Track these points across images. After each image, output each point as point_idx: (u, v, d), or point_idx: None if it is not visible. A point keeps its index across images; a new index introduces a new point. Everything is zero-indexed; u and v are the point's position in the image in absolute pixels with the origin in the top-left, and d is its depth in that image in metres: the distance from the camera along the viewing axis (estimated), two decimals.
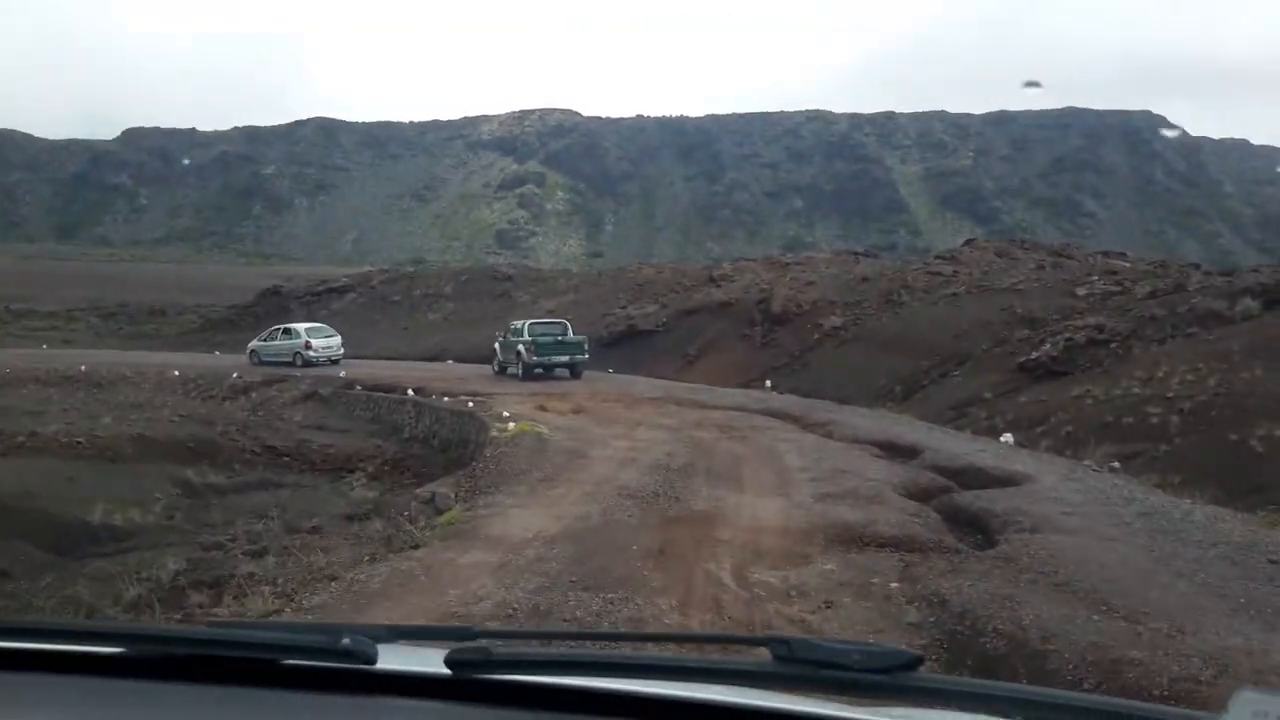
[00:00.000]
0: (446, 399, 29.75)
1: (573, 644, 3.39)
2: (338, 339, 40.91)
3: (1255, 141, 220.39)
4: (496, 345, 34.91)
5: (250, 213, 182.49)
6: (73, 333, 68.77)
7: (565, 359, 32.65)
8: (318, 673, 1.69)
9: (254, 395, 37.01)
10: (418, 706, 1.68)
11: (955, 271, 38.60)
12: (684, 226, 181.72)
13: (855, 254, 53.57)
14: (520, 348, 32.58)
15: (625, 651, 2.48)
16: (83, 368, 39.42)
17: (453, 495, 13.33)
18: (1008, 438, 20.38)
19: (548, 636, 3.54)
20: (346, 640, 1.66)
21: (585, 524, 10.89)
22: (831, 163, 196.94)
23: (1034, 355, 28.12)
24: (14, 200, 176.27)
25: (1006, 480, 14.59)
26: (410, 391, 32.25)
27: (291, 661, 1.71)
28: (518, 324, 34.61)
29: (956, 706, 1.63)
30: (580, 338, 33.70)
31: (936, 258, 42.28)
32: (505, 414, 22.63)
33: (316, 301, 60.67)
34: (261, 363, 39.99)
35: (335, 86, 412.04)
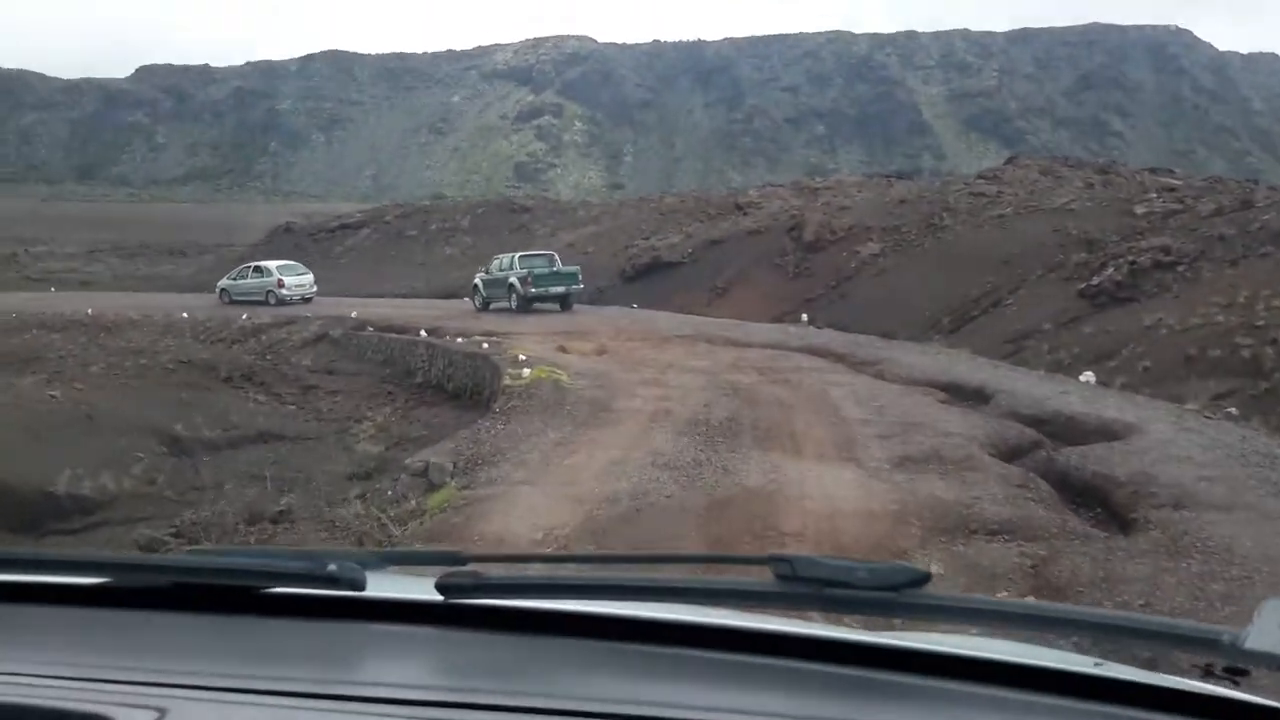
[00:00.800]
0: (460, 340, 27.57)
1: (568, 567, 2.91)
2: (309, 276, 39.65)
3: None
4: (478, 281, 34.57)
5: (267, 149, 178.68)
6: (91, 274, 66.74)
7: (562, 289, 32.34)
8: (304, 600, 1.65)
9: (264, 338, 35.20)
10: (408, 632, 1.63)
11: (999, 192, 35.81)
12: (704, 155, 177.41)
13: (887, 177, 50.66)
14: (514, 280, 32.14)
15: (622, 574, 1.97)
16: (89, 311, 37.44)
17: (450, 465, 10.98)
18: (1089, 376, 17.91)
19: (540, 560, 3.24)
20: (333, 566, 1.58)
21: (612, 510, 8.58)
22: (853, 85, 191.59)
23: (1095, 281, 25.55)
24: (30, 142, 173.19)
25: (1106, 431, 12.24)
26: (423, 333, 30.07)
27: (277, 589, 1.65)
28: (504, 259, 34.39)
29: (968, 623, 1.53)
30: (573, 268, 33.56)
31: (978, 177, 39.36)
32: (521, 357, 20.36)
33: (330, 238, 58.34)
34: (232, 301, 38.93)
35: (347, 16, 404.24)
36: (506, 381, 16.39)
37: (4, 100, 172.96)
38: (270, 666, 1.49)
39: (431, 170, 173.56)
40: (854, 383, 16.95)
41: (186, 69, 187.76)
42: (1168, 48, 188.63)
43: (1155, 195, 31.39)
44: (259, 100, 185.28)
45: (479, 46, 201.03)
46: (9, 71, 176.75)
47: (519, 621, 1.60)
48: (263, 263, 41.27)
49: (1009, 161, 43.12)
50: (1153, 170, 43.91)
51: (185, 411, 22.26)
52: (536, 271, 32.25)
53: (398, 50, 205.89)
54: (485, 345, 25.01)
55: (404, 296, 45.88)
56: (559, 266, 33.18)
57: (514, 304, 32.25)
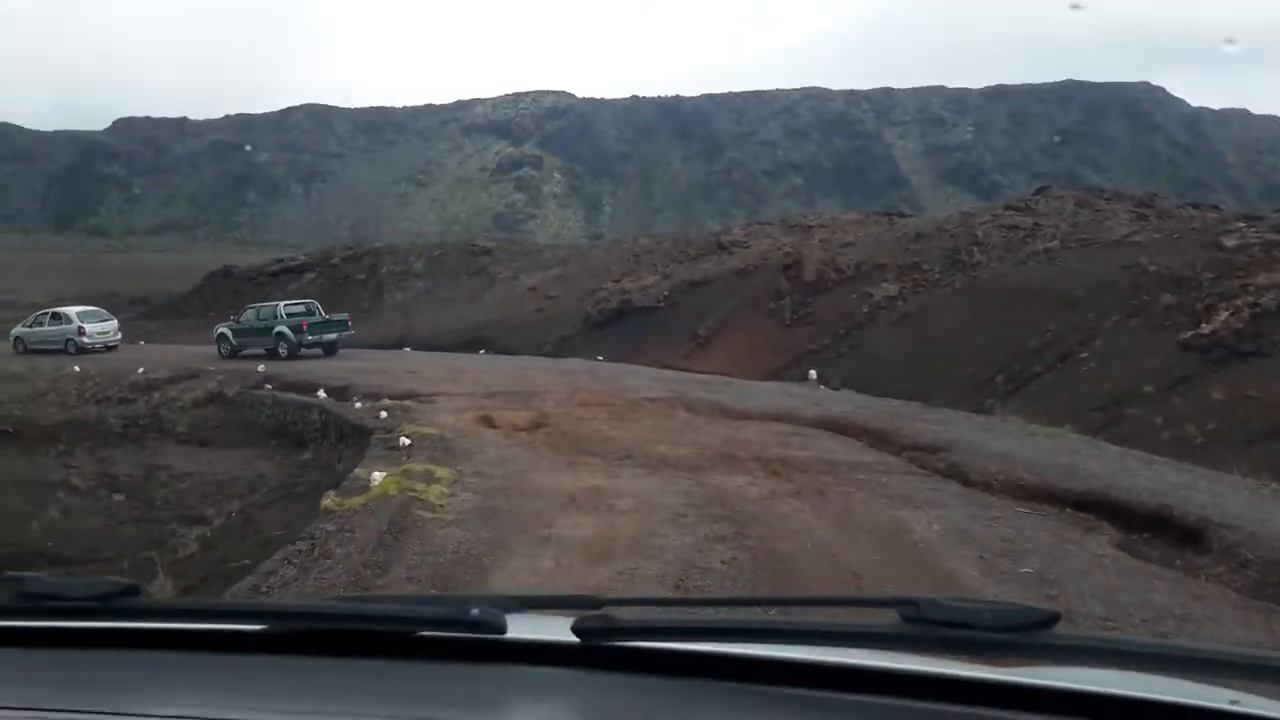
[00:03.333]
0: (360, 404, 20.39)
1: (701, 610, 2.66)
2: (114, 323, 36.90)
3: (1255, 111, 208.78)
4: (225, 330, 33.26)
5: (245, 200, 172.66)
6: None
7: (334, 336, 32.12)
8: (447, 643, 1.66)
9: (157, 395, 28.66)
10: (547, 674, 1.64)
11: (1035, 224, 28.72)
12: (683, 205, 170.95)
13: (888, 215, 43.55)
14: (285, 329, 31.49)
15: (752, 616, 2.13)
16: None
17: None
18: None
19: (673, 604, 3.21)
20: (476, 611, 1.62)
21: None
22: (830, 139, 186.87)
23: (1205, 329, 18.43)
24: (7, 192, 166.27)
25: None
26: (321, 394, 22.81)
27: (424, 633, 1.67)
28: (262, 308, 33.88)
29: (1096, 664, 1.51)
30: (342, 316, 34.00)
31: (1007, 208, 32.26)
32: (404, 441, 13.04)
33: (271, 283, 50.96)
34: (27, 350, 35.18)
35: (325, 72, 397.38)
36: (328, 503, 8.93)
37: None
38: (420, 708, 1.50)
39: (411, 221, 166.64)
40: (936, 496, 9.57)
41: (163, 121, 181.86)
42: (1141, 104, 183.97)
43: (1245, 224, 24.35)
44: (236, 153, 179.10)
45: (459, 100, 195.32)
46: None
47: (654, 663, 1.57)
48: (61, 309, 37.16)
49: (1039, 192, 36.02)
50: (1195, 205, 37.10)
51: None
52: (310, 320, 32.04)
53: (377, 104, 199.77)
54: (383, 414, 17.75)
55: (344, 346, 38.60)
56: (324, 315, 33.11)
57: (283, 351, 31.20)
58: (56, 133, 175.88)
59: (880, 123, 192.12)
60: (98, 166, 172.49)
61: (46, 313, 37.02)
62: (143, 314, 51.95)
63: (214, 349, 33.14)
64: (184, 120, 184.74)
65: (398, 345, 38.16)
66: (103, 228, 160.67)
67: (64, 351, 34.01)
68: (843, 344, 25.44)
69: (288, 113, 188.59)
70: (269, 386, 25.86)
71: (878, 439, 13.63)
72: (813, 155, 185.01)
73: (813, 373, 22.79)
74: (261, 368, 28.86)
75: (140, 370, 30.12)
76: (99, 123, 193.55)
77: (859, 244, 31.85)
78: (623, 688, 1.57)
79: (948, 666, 1.52)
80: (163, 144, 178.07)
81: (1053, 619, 1.44)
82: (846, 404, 17.90)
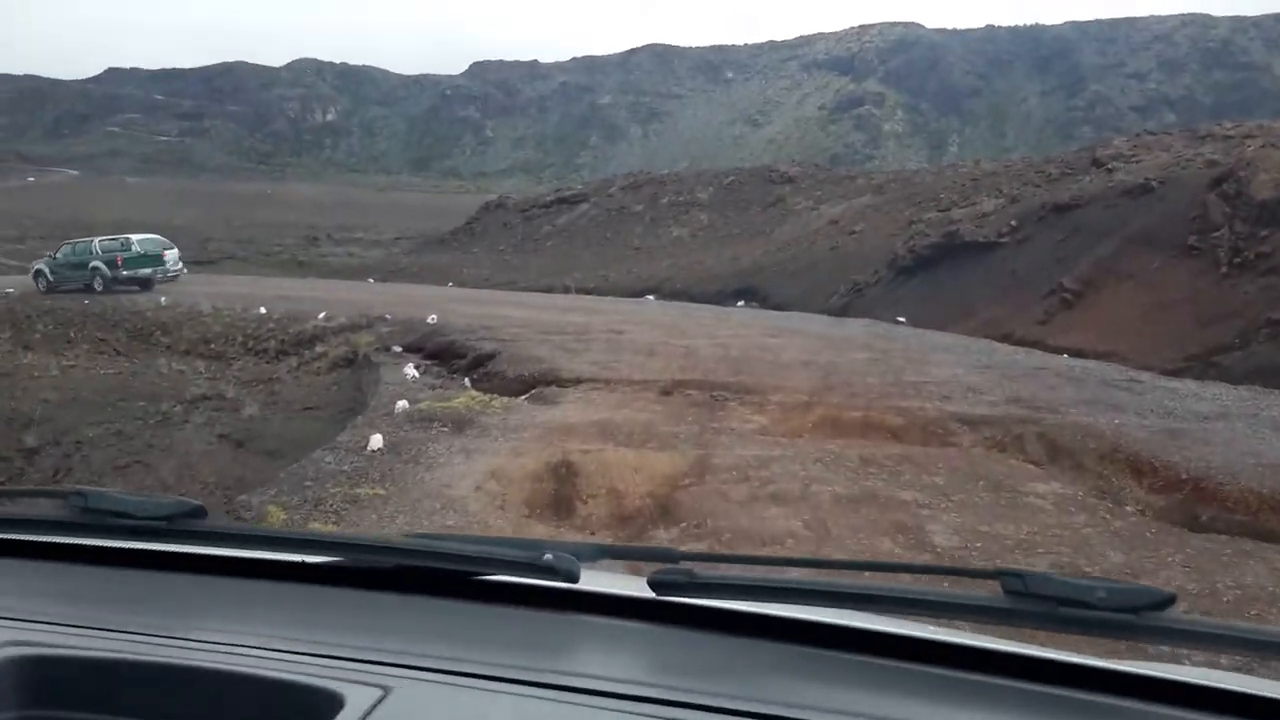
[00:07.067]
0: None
1: (785, 571, 2.27)
2: (174, 252, 32.76)
3: None
4: (43, 267, 31.16)
5: (587, 143, 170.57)
6: (364, 260, 55.33)
7: (148, 272, 30.62)
8: (519, 588, 1.57)
9: (319, 348, 21.37)
10: (619, 626, 1.55)
11: None
12: (1038, 145, 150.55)
13: None
14: (100, 264, 30.25)
15: (838, 579, 1.64)
16: (162, 300, 27.52)
17: None
18: None
19: (757, 562, 2.26)
20: (549, 556, 1.50)
21: None
22: (1209, 72, 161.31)
23: None
24: (373, 134, 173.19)
25: None
26: (410, 369, 14.03)
27: (494, 576, 1.57)
28: (79, 243, 31.90)
29: (1214, 648, 1.45)
30: (157, 251, 31.40)
31: None
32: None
33: (543, 215, 43.27)
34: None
35: (670, 11, 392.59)
36: None
37: (352, 95, 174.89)
38: (487, 652, 1.41)
39: (745, 162, 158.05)
40: None
41: (516, 64, 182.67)
42: None
43: None
44: (582, 94, 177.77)
45: (801, 36, 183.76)
46: (357, 68, 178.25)
47: (731, 622, 1.48)
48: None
49: None
50: None
51: None
52: (127, 255, 30.46)
53: (718, 43, 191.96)
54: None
55: (586, 292, 29.88)
56: (141, 251, 30.95)
57: (99, 286, 29.76)
58: (419, 76, 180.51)
59: (1270, 52, 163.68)
60: (454, 109, 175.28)
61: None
62: (405, 250, 45.66)
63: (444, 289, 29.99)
64: (535, 63, 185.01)
65: (658, 290, 28.95)
66: (456, 169, 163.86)
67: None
68: None
69: (631, 54, 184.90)
70: (398, 348, 17.46)
71: None
72: (1189, 89, 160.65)
73: None
74: (433, 319, 20.72)
75: (321, 315, 23.51)
76: (457, 66, 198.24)
77: None
78: (696, 644, 1.46)
79: (1057, 646, 1.42)
80: (514, 87, 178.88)
81: (1168, 600, 1.26)
82: None
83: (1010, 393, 10.58)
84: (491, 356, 15.08)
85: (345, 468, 7.79)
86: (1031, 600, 1.28)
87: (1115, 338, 15.70)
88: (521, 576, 1.53)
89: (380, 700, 1.21)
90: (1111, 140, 30.98)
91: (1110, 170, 24.81)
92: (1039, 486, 7.05)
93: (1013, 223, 21.28)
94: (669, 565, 1.49)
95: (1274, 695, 1.31)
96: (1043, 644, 1.42)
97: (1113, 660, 1.39)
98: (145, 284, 30.54)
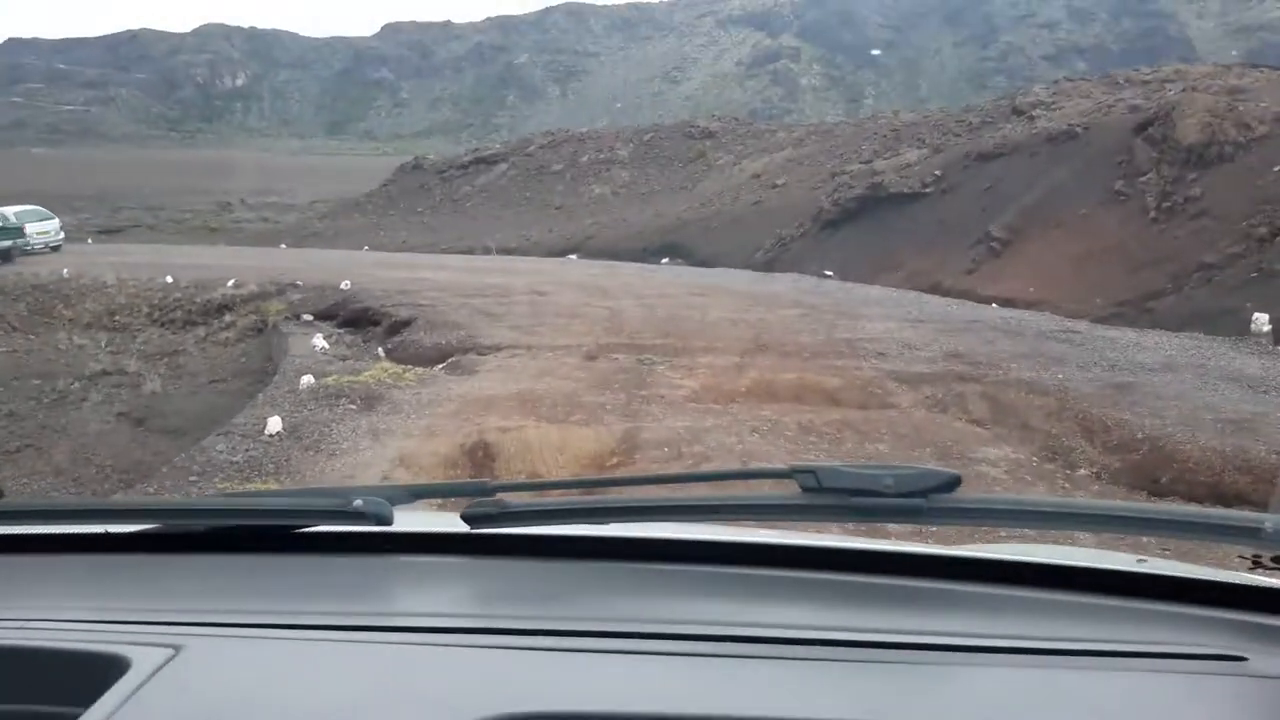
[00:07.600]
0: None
1: (592, 492, 2.19)
2: (55, 222, 33.33)
3: None
4: None
5: (505, 103, 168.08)
6: (278, 225, 53.54)
7: (8, 244, 30.01)
8: (335, 537, 1.56)
9: (228, 317, 20.59)
10: (436, 563, 1.54)
11: None
12: (952, 96, 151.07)
13: (1252, 65, 29.23)
14: None
15: (645, 495, 1.78)
16: (64, 273, 26.05)
17: None
18: None
19: (567, 486, 2.72)
20: (359, 501, 1.48)
21: None
22: (1119, 20, 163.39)
23: None
24: (285, 99, 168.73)
25: None
26: (318, 342, 13.19)
27: (308, 528, 1.56)
28: None
29: (999, 523, 1.48)
30: (17, 224, 31.00)
31: None
32: None
33: (461, 176, 42.13)
34: None
35: None
36: None
37: (262, 59, 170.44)
38: (295, 602, 1.40)
39: (664, 119, 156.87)
40: None
41: (428, 25, 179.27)
42: None
43: None
44: (497, 54, 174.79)
45: None
46: (266, 31, 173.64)
47: (545, 548, 1.50)
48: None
49: None
50: None
51: None
52: None
53: (634, 1, 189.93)
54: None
55: (508, 253, 29.04)
56: (17, 222, 31.05)
57: None
58: (330, 39, 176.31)
59: (1176, 0, 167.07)
60: (367, 72, 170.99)
61: None
62: (320, 214, 44.23)
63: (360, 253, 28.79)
64: (448, 24, 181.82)
65: (580, 249, 28.23)
66: (372, 131, 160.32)
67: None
68: (1271, 253, 13.19)
69: (546, 12, 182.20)
70: (308, 316, 16.62)
71: None
72: (1099, 37, 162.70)
73: (1261, 316, 10.76)
74: (346, 284, 19.86)
75: (231, 283, 22.59)
76: (368, 29, 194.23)
77: (1259, 89, 18.85)
78: (514, 572, 1.47)
79: (847, 538, 1.46)
80: (428, 48, 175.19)
81: (955, 481, 1.31)
82: None
83: (947, 348, 10.12)
84: (407, 324, 14.34)
85: (237, 458, 7.04)
86: (826, 494, 1.29)
87: (1045, 286, 15.40)
88: (333, 524, 1.49)
89: (169, 660, 1.14)
90: (1031, 88, 30.81)
91: (1032, 118, 24.57)
92: (990, 451, 6.56)
93: (937, 172, 20.89)
94: (482, 498, 1.46)
95: (1049, 561, 1.37)
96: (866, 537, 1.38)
97: (911, 544, 1.43)
98: (5, 257, 29.91)
